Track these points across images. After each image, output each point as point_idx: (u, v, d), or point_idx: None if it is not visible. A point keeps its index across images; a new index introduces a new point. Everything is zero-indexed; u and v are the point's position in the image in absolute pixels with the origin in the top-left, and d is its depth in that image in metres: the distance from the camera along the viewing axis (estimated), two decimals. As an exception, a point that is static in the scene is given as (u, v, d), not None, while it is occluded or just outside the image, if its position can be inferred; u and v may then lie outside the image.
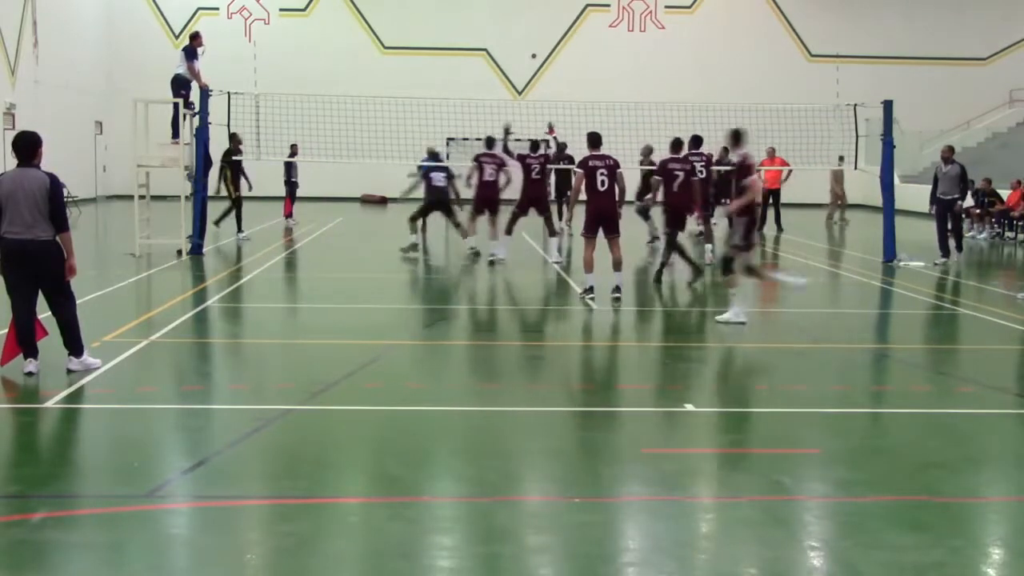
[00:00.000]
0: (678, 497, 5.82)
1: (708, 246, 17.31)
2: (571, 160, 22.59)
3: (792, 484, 6.13)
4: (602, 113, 21.54)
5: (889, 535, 5.24)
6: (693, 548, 5.18)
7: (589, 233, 12.51)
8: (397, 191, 18.46)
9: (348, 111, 20.53)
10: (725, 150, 21.81)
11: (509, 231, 16.86)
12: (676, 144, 15.13)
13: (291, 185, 24.39)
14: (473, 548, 5.10)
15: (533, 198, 17.02)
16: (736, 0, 36.39)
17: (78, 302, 8.63)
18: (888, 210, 17.95)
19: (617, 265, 12.49)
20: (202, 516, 5.54)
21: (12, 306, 8.28)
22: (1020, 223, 23.01)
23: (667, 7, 36.32)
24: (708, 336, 11.58)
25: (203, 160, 17.52)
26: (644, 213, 18.84)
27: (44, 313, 8.48)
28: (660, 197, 15.03)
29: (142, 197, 17.74)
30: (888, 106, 17.89)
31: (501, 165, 16.81)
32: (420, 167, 19.65)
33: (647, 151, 19.78)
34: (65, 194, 8.74)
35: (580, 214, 21.15)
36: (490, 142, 17.23)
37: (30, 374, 8.16)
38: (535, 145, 17.59)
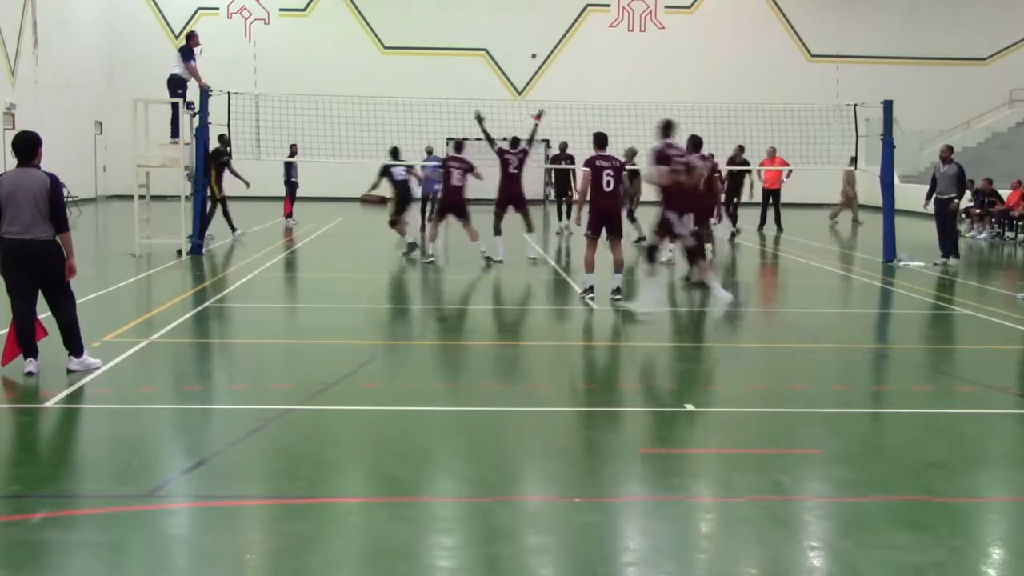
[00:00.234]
0: (678, 497, 5.82)
1: (708, 245, 17.28)
2: (571, 160, 22.62)
3: (792, 484, 6.13)
4: (602, 113, 21.53)
5: (889, 535, 5.24)
6: (693, 548, 5.18)
7: (593, 233, 12.45)
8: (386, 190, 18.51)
9: (348, 111, 20.53)
10: (740, 148, 21.84)
11: (497, 231, 16.80)
12: (696, 143, 14.92)
13: (291, 185, 24.42)
14: (473, 548, 5.10)
15: (511, 194, 16.85)
16: (736, 0, 36.40)
17: (78, 302, 8.63)
18: (888, 210, 17.95)
19: (618, 266, 12.48)
20: (202, 516, 5.54)
21: (12, 306, 8.28)
22: (1020, 223, 23.01)
23: (667, 7, 36.32)
24: (708, 336, 11.59)
25: (203, 160, 17.52)
26: (630, 215, 18.78)
27: (44, 313, 8.48)
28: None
29: (142, 197, 17.74)
30: (888, 106, 17.89)
31: (468, 169, 16.73)
32: (423, 166, 19.76)
33: (630, 153, 19.83)
34: (65, 194, 8.73)
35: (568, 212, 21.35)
36: (459, 146, 17.13)
37: (30, 374, 8.16)
38: (515, 140, 17.37)
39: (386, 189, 18.63)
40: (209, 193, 19.64)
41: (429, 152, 22.51)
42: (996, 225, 23.90)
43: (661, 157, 12.01)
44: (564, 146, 23.04)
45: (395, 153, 18.93)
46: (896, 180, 18.95)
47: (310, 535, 5.13)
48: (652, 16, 36.47)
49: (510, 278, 15.39)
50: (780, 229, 23.77)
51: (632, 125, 21.09)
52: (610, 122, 18.95)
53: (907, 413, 7.94)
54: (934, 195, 17.88)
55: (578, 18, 36.23)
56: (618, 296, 12.34)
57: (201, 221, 17.41)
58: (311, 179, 26.03)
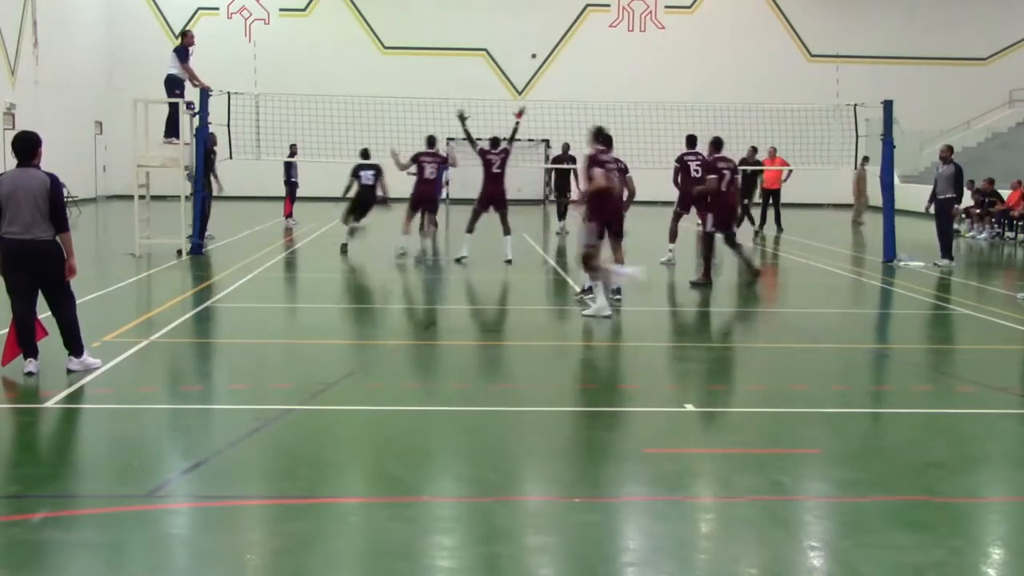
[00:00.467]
0: (678, 497, 5.82)
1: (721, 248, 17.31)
2: (573, 161, 22.62)
3: (792, 484, 6.13)
4: (602, 113, 21.48)
5: (889, 535, 5.24)
6: (693, 548, 5.18)
7: (597, 235, 12.39)
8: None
9: (348, 111, 20.53)
10: (753, 149, 21.81)
11: (470, 229, 16.77)
12: (718, 143, 14.68)
13: (291, 185, 24.42)
14: (473, 548, 5.10)
15: (493, 194, 16.79)
16: (736, 0, 36.40)
17: (78, 302, 8.63)
18: (888, 210, 17.95)
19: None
20: (202, 516, 5.54)
21: (12, 306, 8.28)
22: (1020, 223, 23.01)
23: (667, 7, 36.32)
24: (708, 336, 11.59)
25: (203, 160, 17.51)
26: (498, 205, 18.64)
27: (44, 313, 8.48)
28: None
29: (142, 197, 17.74)
30: (888, 106, 17.89)
31: (442, 163, 16.70)
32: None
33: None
34: (65, 194, 8.73)
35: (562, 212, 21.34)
36: (431, 141, 17.11)
37: (30, 374, 8.16)
38: (495, 140, 17.34)
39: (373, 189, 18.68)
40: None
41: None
42: (996, 225, 23.90)
43: (594, 163, 11.99)
44: (567, 147, 23.04)
45: (365, 154, 19.03)
46: (896, 180, 18.95)
47: (310, 535, 5.13)
48: (652, 16, 36.48)
49: (510, 279, 15.39)
50: (780, 229, 23.77)
51: (632, 125, 21.11)
52: (610, 122, 18.83)
53: (907, 413, 7.94)
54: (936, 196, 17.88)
55: (578, 18, 36.24)
56: (618, 296, 12.33)
57: (201, 221, 17.40)
58: (311, 179, 26.01)
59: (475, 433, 7.20)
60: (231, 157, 18.59)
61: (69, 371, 8.30)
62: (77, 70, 31.57)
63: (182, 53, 17.48)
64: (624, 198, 12.54)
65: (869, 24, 36.25)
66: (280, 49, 33.61)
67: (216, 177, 19.78)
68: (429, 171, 16.53)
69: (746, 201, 22.50)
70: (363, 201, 18.45)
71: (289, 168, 24.15)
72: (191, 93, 17.77)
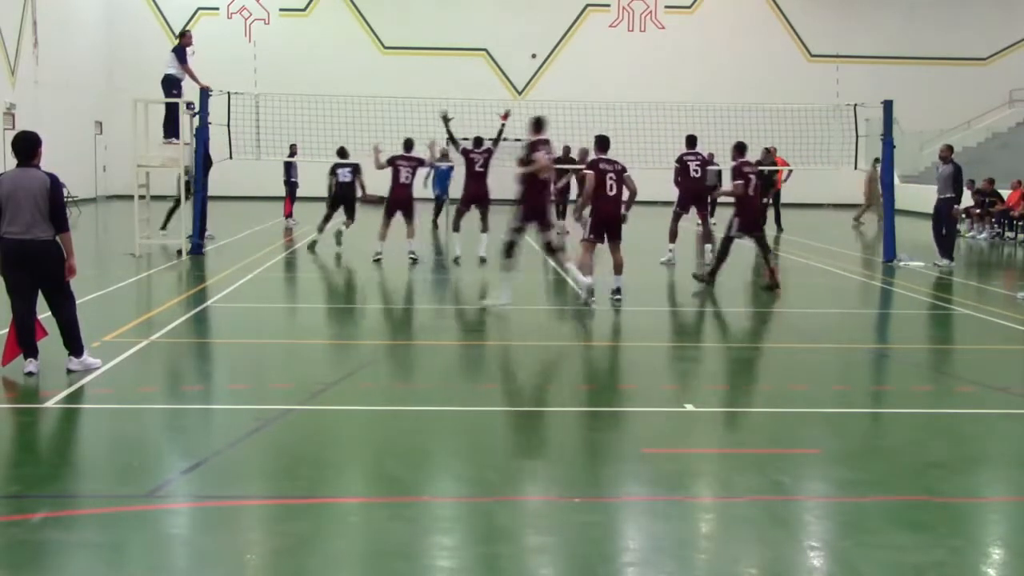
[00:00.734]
0: (678, 497, 5.82)
1: (707, 245, 17.30)
2: (573, 162, 22.62)
3: (792, 484, 6.13)
4: (602, 113, 21.53)
5: (889, 535, 5.24)
6: (693, 548, 5.18)
7: (595, 238, 12.33)
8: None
9: (348, 111, 20.51)
10: (767, 151, 21.74)
11: (456, 228, 16.90)
12: (741, 147, 14.59)
13: (291, 185, 24.41)
14: (473, 548, 5.10)
15: (476, 193, 16.89)
16: (736, 0, 36.39)
17: (78, 302, 8.63)
18: (888, 210, 17.95)
19: (618, 268, 12.44)
20: (202, 516, 5.54)
21: (12, 306, 8.28)
22: (1020, 223, 23.00)
23: (667, 7, 36.31)
24: (708, 336, 11.59)
25: (203, 160, 17.51)
26: (481, 203, 18.60)
27: (44, 313, 8.48)
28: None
29: (142, 197, 17.74)
30: (888, 106, 17.88)
31: (418, 166, 16.71)
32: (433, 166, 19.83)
33: (583, 154, 19.85)
34: (65, 194, 8.73)
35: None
36: (408, 144, 17.10)
37: (30, 374, 8.16)
38: (478, 140, 17.41)
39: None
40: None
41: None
42: (996, 225, 23.90)
43: (530, 155, 12.05)
44: (567, 150, 23.05)
45: (342, 152, 19.23)
46: (896, 180, 18.94)
47: (310, 535, 5.13)
48: (652, 16, 36.47)
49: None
50: (780, 229, 23.76)
51: (632, 125, 21.11)
52: (610, 122, 18.93)
53: (907, 413, 7.94)
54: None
55: (578, 18, 36.23)
56: (618, 297, 12.33)
57: (201, 221, 17.39)
58: (311, 179, 25.97)
59: (475, 433, 7.20)
60: (231, 157, 18.58)
61: (69, 371, 8.30)
62: (77, 70, 31.56)
63: (181, 54, 17.48)
64: (624, 198, 12.47)
65: (869, 24, 36.24)
66: (280, 49, 33.60)
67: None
68: (404, 175, 16.49)
69: (766, 201, 22.38)
70: (342, 198, 18.85)
71: (289, 168, 24.15)
72: (191, 93, 17.77)
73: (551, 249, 12.43)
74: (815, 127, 20.82)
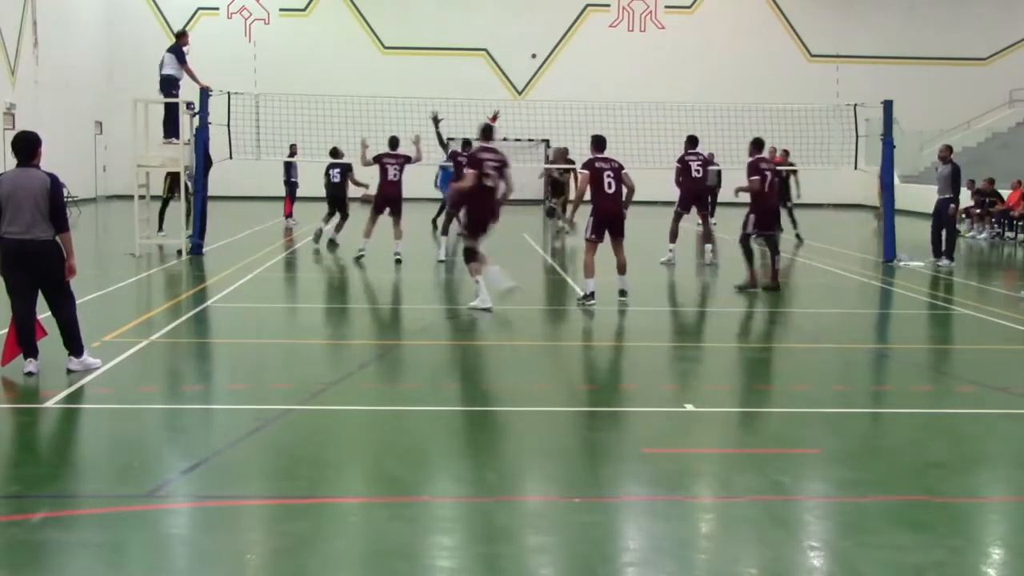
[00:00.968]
0: (678, 497, 5.82)
1: (708, 245, 17.32)
2: (570, 163, 22.64)
3: (792, 484, 6.13)
4: (602, 113, 21.54)
5: (889, 535, 5.24)
6: (693, 548, 5.18)
7: (597, 237, 12.24)
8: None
9: (348, 111, 20.51)
10: (785, 152, 21.68)
11: (444, 231, 17.00)
12: (758, 144, 14.43)
13: (291, 185, 24.42)
14: (473, 548, 5.10)
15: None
16: (736, 0, 36.40)
17: (78, 302, 8.62)
18: (888, 210, 17.96)
19: (622, 268, 12.38)
20: (202, 516, 5.54)
21: (12, 306, 8.28)
22: (1020, 223, 23.00)
23: (667, 7, 36.32)
24: (708, 336, 11.59)
25: (203, 160, 17.52)
26: (551, 213, 18.66)
27: (44, 313, 8.48)
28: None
29: (142, 197, 17.74)
30: (888, 106, 17.88)
31: (405, 163, 16.71)
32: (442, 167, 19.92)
33: (562, 153, 19.86)
34: (65, 194, 8.73)
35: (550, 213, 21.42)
36: (393, 142, 17.09)
37: (30, 374, 8.16)
38: (467, 142, 17.43)
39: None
40: (161, 191, 19.36)
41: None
42: (996, 225, 23.90)
43: (473, 161, 12.07)
44: (565, 151, 23.10)
45: (334, 152, 19.40)
46: (896, 180, 18.94)
47: (310, 535, 5.13)
48: (652, 16, 36.48)
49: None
50: (780, 229, 23.67)
51: (632, 125, 21.13)
52: (610, 122, 18.95)
53: (907, 413, 7.94)
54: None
55: (578, 18, 36.24)
56: (624, 297, 12.27)
57: (201, 221, 17.39)
58: (311, 179, 25.99)
59: (475, 433, 7.21)
60: (231, 157, 18.58)
61: (69, 371, 8.30)
62: (77, 70, 31.57)
63: (180, 54, 17.47)
64: (623, 196, 12.43)
65: (869, 24, 36.25)
66: (280, 49, 33.61)
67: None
68: (392, 173, 16.48)
69: (789, 204, 22.24)
70: (333, 198, 19.20)
71: (289, 168, 24.15)
72: (190, 93, 17.76)
73: (470, 257, 12.16)
74: (815, 127, 20.83)
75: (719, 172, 22.25)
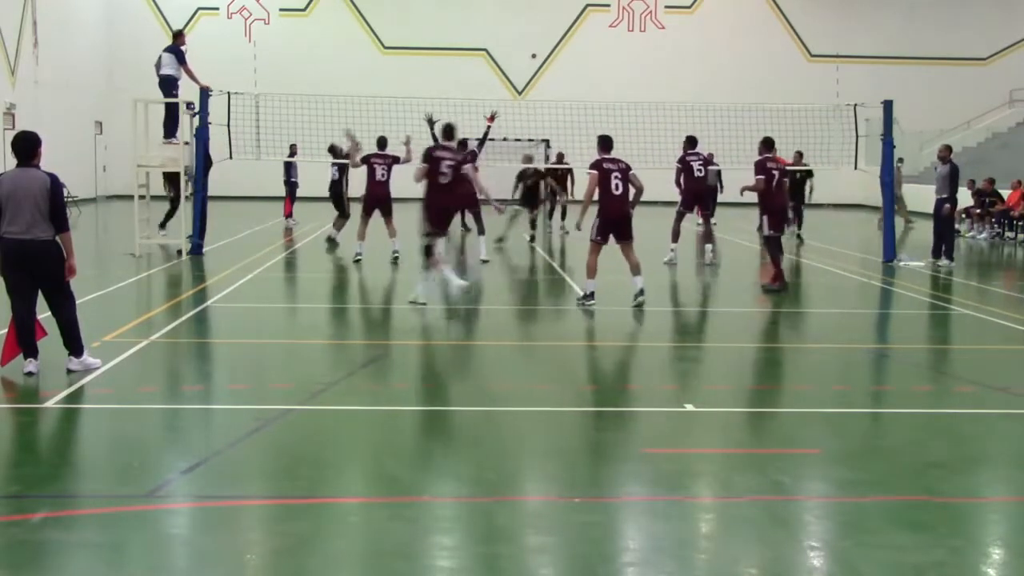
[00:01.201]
0: (678, 497, 5.82)
1: (708, 245, 17.33)
2: (565, 164, 22.64)
3: (792, 484, 6.13)
4: (602, 113, 21.53)
5: (889, 535, 5.24)
6: (693, 548, 5.18)
7: (602, 239, 12.16)
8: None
9: (348, 111, 20.52)
10: (799, 154, 21.61)
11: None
12: (769, 143, 14.28)
13: (291, 185, 24.43)
14: (473, 548, 5.10)
15: (461, 195, 16.96)
16: (736, 0, 36.40)
17: (78, 302, 8.63)
18: (888, 210, 17.96)
19: (636, 269, 12.21)
20: (202, 516, 5.54)
21: (12, 306, 8.28)
22: (1020, 223, 23.00)
23: (667, 7, 36.32)
24: (708, 336, 11.59)
25: (203, 160, 17.51)
26: (514, 216, 18.61)
27: (44, 313, 8.48)
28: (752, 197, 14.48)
29: (142, 197, 17.74)
30: (888, 106, 17.88)
31: (393, 163, 16.72)
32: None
33: (527, 159, 19.92)
34: (65, 194, 8.73)
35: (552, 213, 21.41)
36: (382, 142, 17.08)
37: (30, 374, 8.16)
38: (463, 143, 17.49)
39: None
40: (165, 192, 19.37)
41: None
42: (996, 225, 23.89)
43: (428, 158, 12.15)
44: (560, 157, 23.13)
45: (332, 150, 19.63)
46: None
47: (310, 535, 5.13)
48: (652, 16, 36.48)
49: (511, 278, 15.39)
50: (800, 239, 23.60)
51: (632, 125, 21.11)
52: (610, 122, 18.92)
53: (907, 413, 7.94)
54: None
55: (578, 18, 36.24)
56: (642, 298, 12.14)
57: (201, 221, 17.39)
58: (311, 179, 26.01)
59: (475, 433, 7.20)
60: (231, 157, 18.59)
61: (69, 371, 8.30)
62: (77, 70, 31.57)
63: (179, 54, 17.45)
64: (631, 197, 12.33)
65: (869, 24, 36.25)
66: (280, 49, 33.61)
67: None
68: (380, 173, 16.45)
69: (802, 204, 22.10)
70: (332, 196, 19.51)
71: (289, 168, 24.16)
72: (189, 93, 17.76)
73: (428, 253, 12.24)
74: (815, 127, 20.83)
75: (719, 172, 22.23)
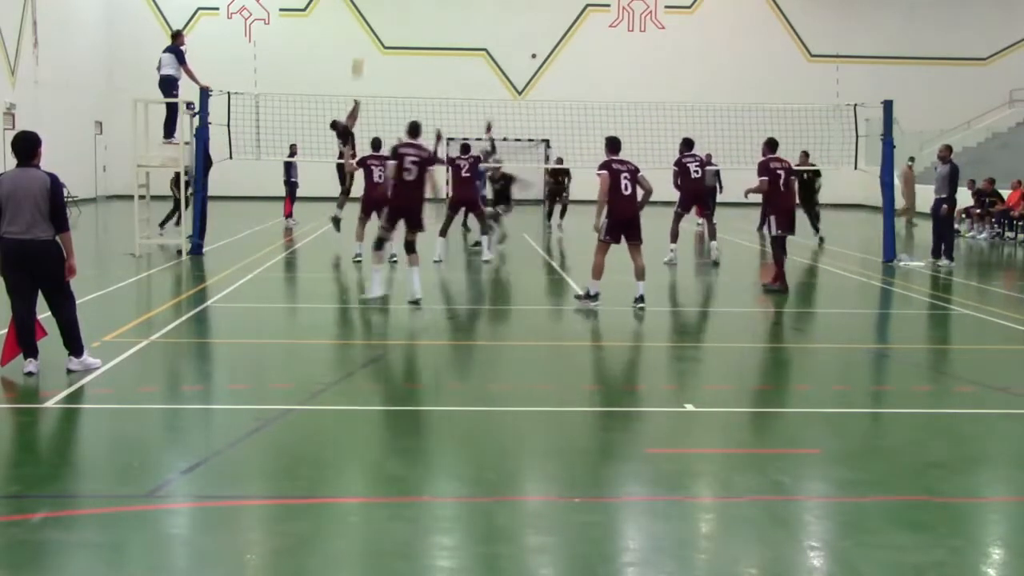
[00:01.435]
0: (678, 497, 5.81)
1: (712, 243, 17.33)
2: (563, 166, 22.67)
3: (792, 484, 6.13)
4: (602, 113, 21.54)
5: (889, 535, 5.24)
6: (693, 548, 5.18)
7: (612, 239, 12.13)
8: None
9: (348, 111, 20.48)
10: (805, 154, 21.58)
11: (443, 233, 17.01)
12: (772, 144, 14.22)
13: (291, 185, 24.44)
14: (473, 548, 5.10)
15: (464, 198, 17.25)
16: (736, 0, 36.40)
17: (78, 302, 8.62)
18: (888, 210, 17.96)
19: (641, 273, 12.20)
20: (202, 516, 5.54)
21: (12, 306, 8.28)
22: (1020, 223, 23.00)
23: (667, 7, 36.32)
24: (708, 336, 11.59)
25: (203, 160, 17.52)
26: (496, 217, 18.62)
27: (44, 313, 8.48)
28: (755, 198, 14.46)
29: (142, 197, 17.74)
30: (888, 106, 17.88)
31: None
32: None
33: (490, 160, 19.99)
34: (65, 194, 8.73)
35: (569, 214, 21.44)
36: (376, 144, 17.09)
37: (30, 374, 8.16)
38: (465, 146, 17.72)
39: None
40: (171, 192, 19.41)
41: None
42: (996, 225, 23.89)
43: (394, 155, 12.34)
44: (559, 161, 23.19)
45: (334, 126, 19.60)
46: (896, 180, 18.93)
47: (310, 535, 5.13)
48: (652, 16, 36.48)
49: (515, 279, 15.39)
50: (820, 238, 23.57)
51: (632, 125, 21.11)
52: (610, 122, 18.96)
53: (907, 413, 7.94)
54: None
55: (578, 18, 36.24)
56: (641, 305, 12.11)
57: (201, 221, 17.39)
58: (311, 179, 26.03)
59: (475, 433, 7.20)
60: (231, 157, 18.59)
61: (69, 371, 8.30)
62: (77, 70, 31.57)
63: (179, 54, 17.45)
64: (639, 198, 12.29)
65: (869, 24, 36.25)
66: (280, 49, 33.61)
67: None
68: (376, 174, 16.42)
69: (816, 204, 22.03)
70: (338, 168, 19.60)
71: (289, 168, 24.16)
72: (192, 93, 17.76)
73: (411, 249, 12.40)
74: (815, 127, 20.83)
75: (717, 172, 22.24)
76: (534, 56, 35.97)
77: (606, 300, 12.24)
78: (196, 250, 17.08)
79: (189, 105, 17.68)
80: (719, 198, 22.91)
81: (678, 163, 17.22)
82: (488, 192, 20.80)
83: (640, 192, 12.19)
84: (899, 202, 26.78)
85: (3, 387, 8.00)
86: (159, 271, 15.44)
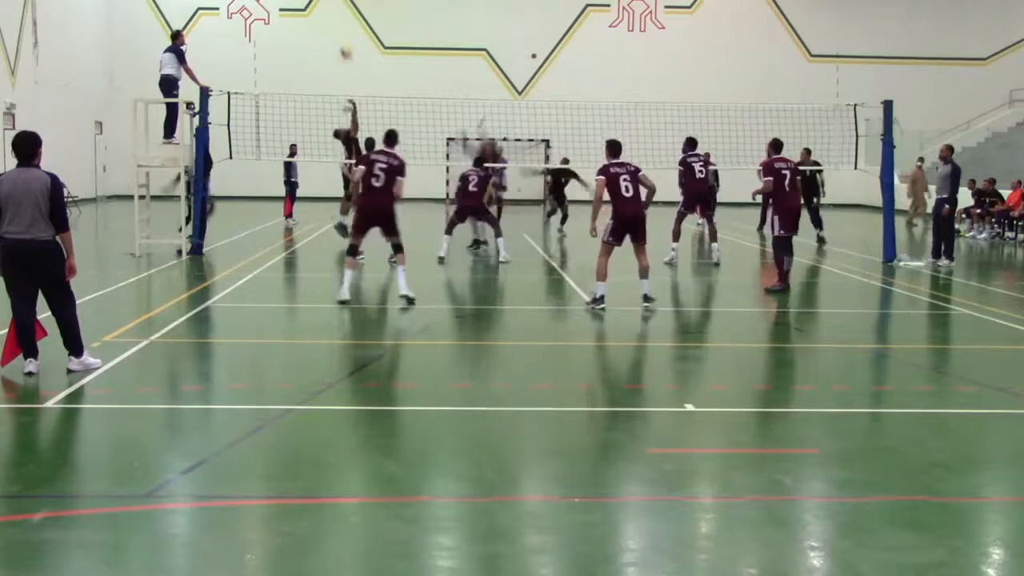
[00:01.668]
0: (678, 497, 5.82)
1: (714, 244, 17.33)
2: (572, 173, 22.64)
3: (792, 484, 6.13)
4: (602, 113, 21.55)
5: (889, 535, 5.24)
6: (693, 548, 5.18)
7: (616, 240, 12.12)
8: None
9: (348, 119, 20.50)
10: (807, 151, 21.58)
11: (448, 231, 17.19)
12: (777, 144, 14.17)
13: (291, 185, 24.44)
14: (473, 548, 5.10)
15: (470, 205, 17.36)
16: (736, 0, 36.40)
17: (78, 302, 8.63)
18: (888, 210, 17.95)
19: (645, 272, 12.21)
20: (202, 516, 5.54)
21: (12, 306, 8.28)
22: (1020, 223, 22.99)
23: (667, 7, 36.33)
24: (708, 336, 11.59)
25: (203, 160, 17.52)
26: (477, 214, 18.66)
27: (44, 313, 8.48)
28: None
29: (142, 197, 17.74)
30: (888, 106, 17.88)
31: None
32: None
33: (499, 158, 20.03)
34: (65, 194, 8.73)
35: (568, 215, 21.43)
36: (370, 143, 17.07)
37: (30, 374, 8.16)
38: (479, 160, 17.78)
39: None
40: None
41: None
42: (996, 225, 23.89)
43: (364, 161, 12.58)
44: (565, 161, 23.16)
45: (336, 135, 19.41)
46: (896, 180, 18.93)
47: (310, 535, 5.13)
48: (652, 16, 36.49)
49: (515, 279, 15.39)
50: (822, 240, 23.57)
51: (632, 125, 21.11)
52: (610, 122, 18.98)
53: (907, 413, 7.94)
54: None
55: (578, 18, 36.24)
56: (648, 303, 12.16)
57: (201, 221, 17.40)
58: (311, 179, 26.04)
59: (475, 433, 7.20)
60: (231, 157, 18.59)
61: (69, 371, 8.30)
62: (77, 70, 31.57)
63: (180, 54, 17.45)
64: (643, 198, 12.27)
65: (869, 24, 36.25)
66: (280, 49, 33.60)
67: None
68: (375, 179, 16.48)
69: (815, 201, 21.99)
70: (343, 175, 19.07)
71: (289, 168, 24.16)
72: (192, 93, 17.76)
73: (397, 250, 12.70)
74: (815, 127, 20.82)
75: (716, 172, 22.22)
76: (534, 56, 35.98)
77: (606, 301, 12.24)
78: (196, 250, 17.09)
79: (189, 105, 17.69)
80: (720, 198, 22.90)
81: (683, 162, 17.21)
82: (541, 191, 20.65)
83: (643, 192, 12.17)
84: (906, 202, 26.87)
85: (3, 387, 8.00)
86: (159, 271, 15.44)
